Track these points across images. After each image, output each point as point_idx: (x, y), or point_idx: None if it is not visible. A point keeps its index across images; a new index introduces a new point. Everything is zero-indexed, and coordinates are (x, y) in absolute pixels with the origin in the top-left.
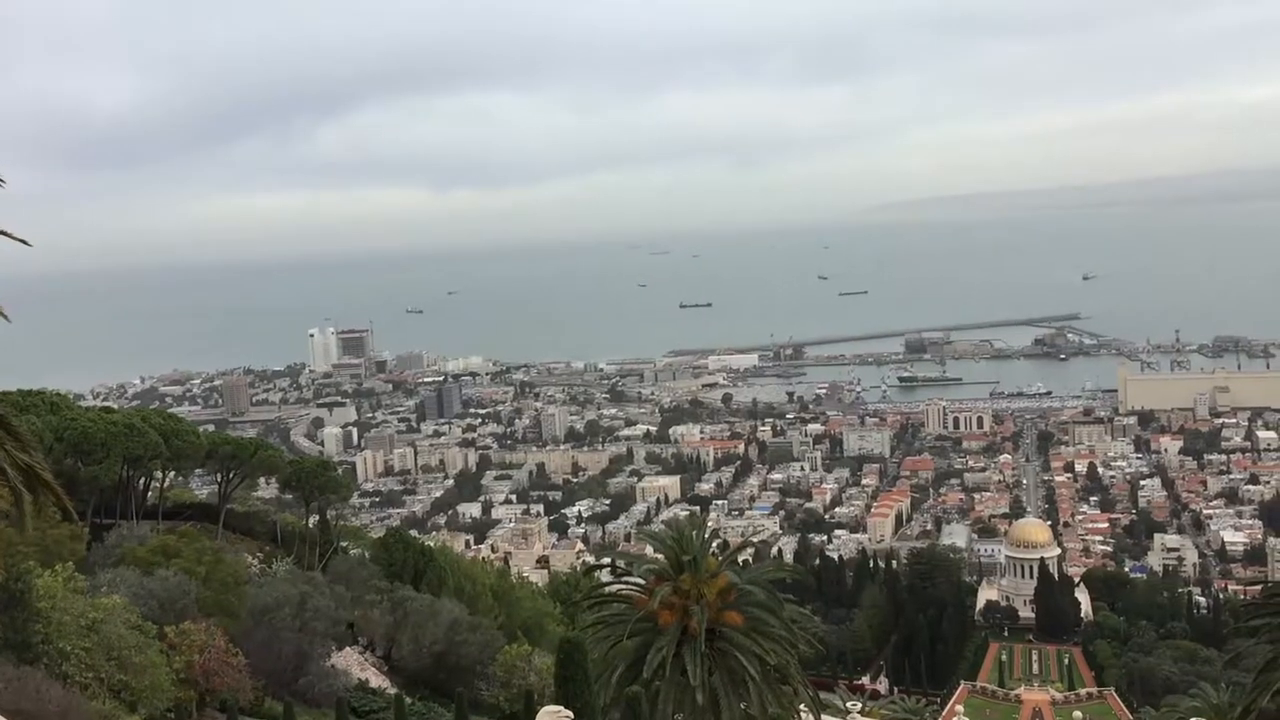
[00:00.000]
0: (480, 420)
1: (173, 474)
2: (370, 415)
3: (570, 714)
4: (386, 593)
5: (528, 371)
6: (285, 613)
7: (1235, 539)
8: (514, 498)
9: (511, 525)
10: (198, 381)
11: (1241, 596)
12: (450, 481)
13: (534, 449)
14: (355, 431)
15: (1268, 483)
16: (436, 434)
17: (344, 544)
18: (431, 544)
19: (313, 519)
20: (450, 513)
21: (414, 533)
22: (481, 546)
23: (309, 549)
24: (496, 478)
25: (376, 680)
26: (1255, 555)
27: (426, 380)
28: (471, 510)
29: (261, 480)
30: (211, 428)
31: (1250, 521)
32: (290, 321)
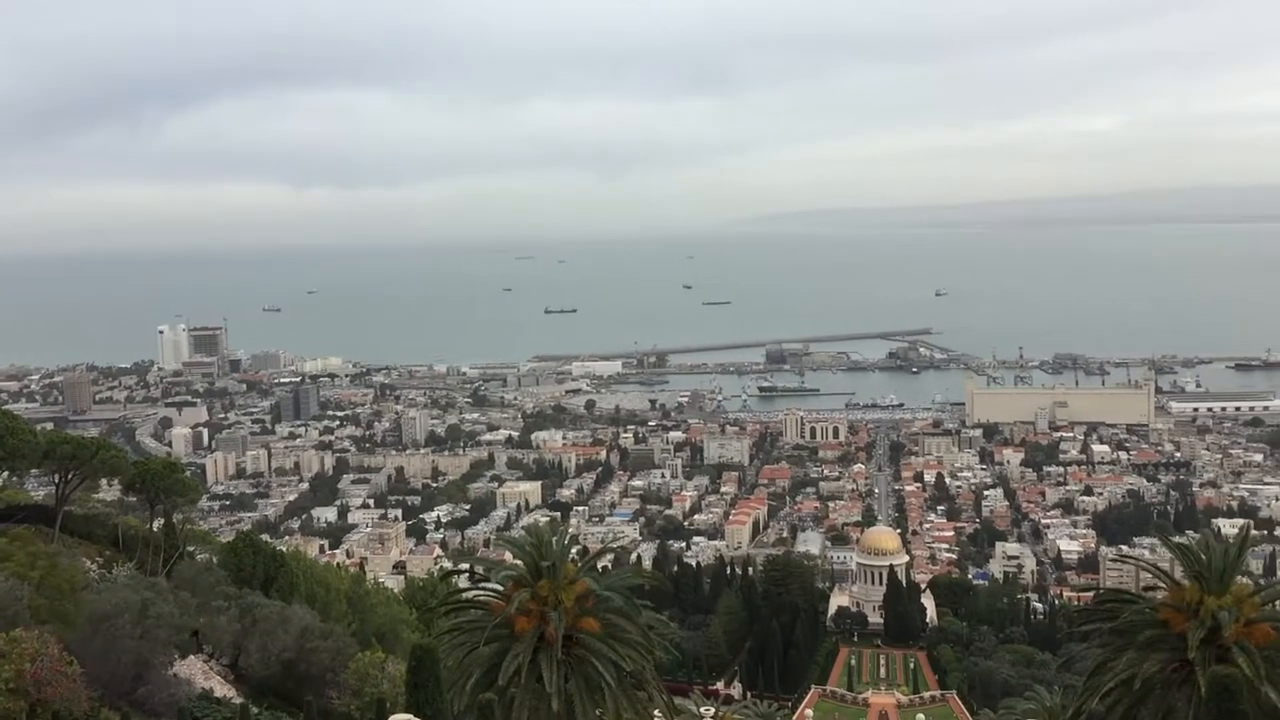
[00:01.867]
0: (338, 422)
1: (6, 474)
2: (223, 416)
3: None
4: (234, 599)
5: (389, 374)
6: (125, 620)
7: (1070, 548)
8: (371, 502)
9: (368, 530)
10: (36, 377)
11: (1075, 603)
12: (305, 485)
13: (393, 452)
14: (206, 432)
15: (1100, 494)
16: (292, 436)
17: (191, 548)
18: (284, 549)
19: (158, 522)
20: (305, 517)
21: (266, 537)
22: (337, 551)
23: (153, 554)
24: (354, 481)
25: (221, 689)
26: (1089, 563)
27: (283, 381)
28: (327, 514)
29: (104, 482)
30: (50, 426)
31: (1085, 531)
32: (138, 317)
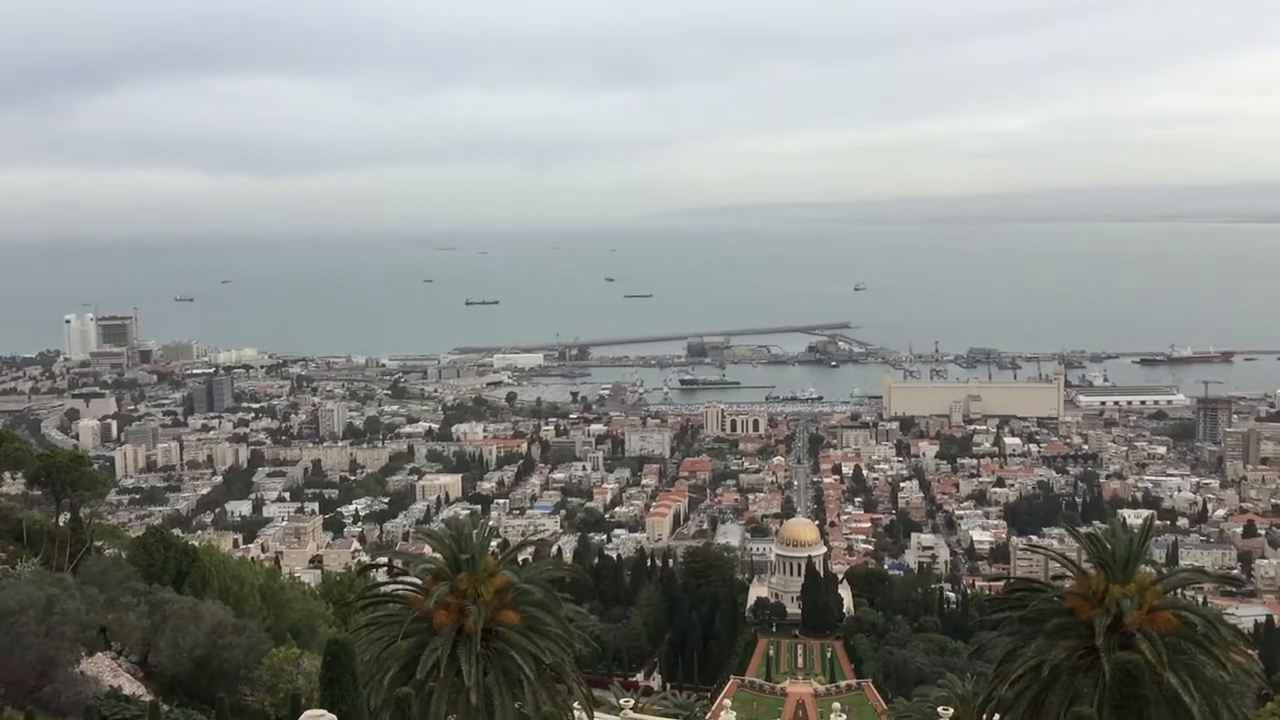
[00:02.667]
0: (253, 415)
1: None
2: (132, 408)
3: (334, 717)
4: (144, 595)
5: (305, 365)
6: (29, 616)
7: (983, 538)
8: (287, 495)
9: (284, 524)
10: None
11: (986, 592)
12: (219, 478)
13: (310, 445)
14: (115, 424)
15: (1012, 485)
16: (205, 428)
17: (98, 543)
18: (196, 543)
19: (64, 517)
20: (218, 511)
21: (178, 531)
22: (251, 546)
23: (59, 549)
24: (269, 475)
25: (131, 687)
26: (1000, 553)
27: (196, 372)
28: (241, 508)
29: (7, 475)
30: None
31: (996, 522)
32: (44, 306)
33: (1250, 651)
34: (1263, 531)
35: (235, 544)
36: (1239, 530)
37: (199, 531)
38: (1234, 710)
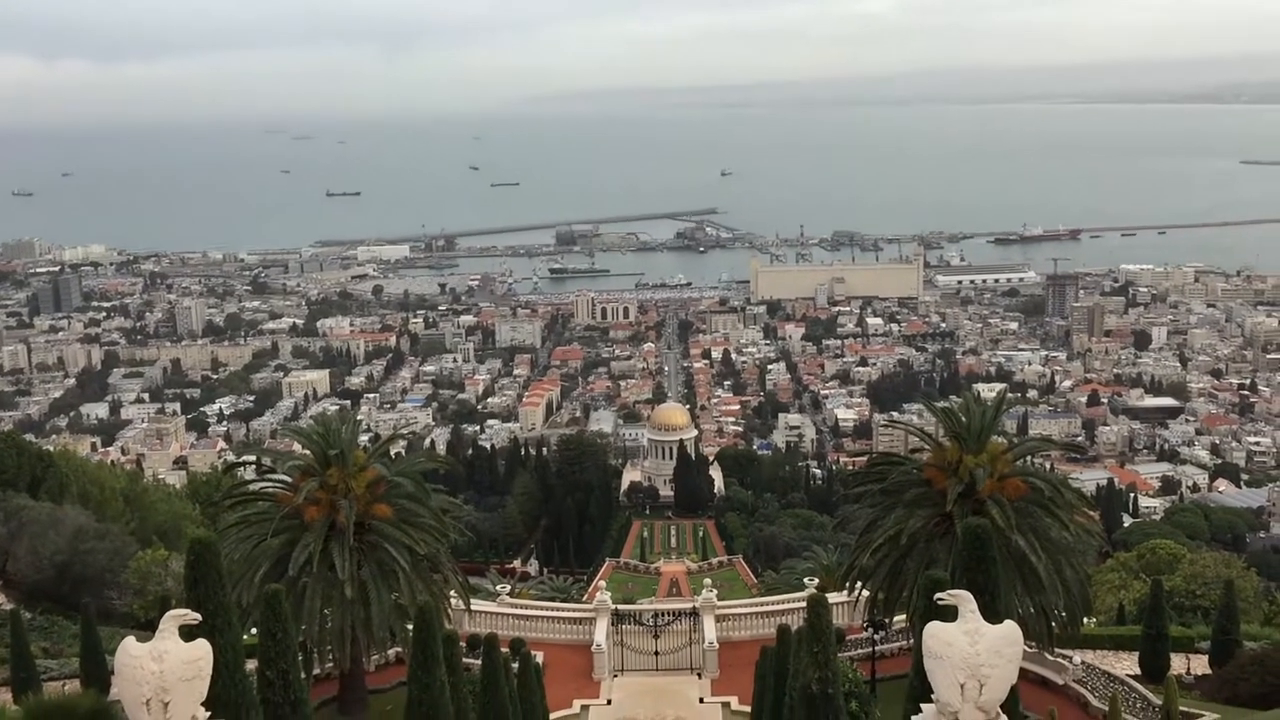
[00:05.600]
0: (105, 314)
1: None
2: None
3: (198, 616)
4: None
5: (158, 261)
6: None
7: (847, 416)
8: (146, 396)
9: (144, 425)
10: None
11: (850, 467)
12: (71, 381)
13: (168, 344)
14: None
15: (874, 365)
16: (53, 329)
17: None
18: (51, 448)
19: None
20: (73, 414)
21: (30, 437)
22: (110, 449)
23: None
24: (126, 376)
25: None
26: (863, 430)
27: (40, 271)
28: (98, 411)
29: None
30: None
31: (860, 400)
32: None
33: (1092, 513)
34: (1105, 400)
35: (93, 448)
36: (1084, 400)
37: (53, 436)
38: (1076, 567)
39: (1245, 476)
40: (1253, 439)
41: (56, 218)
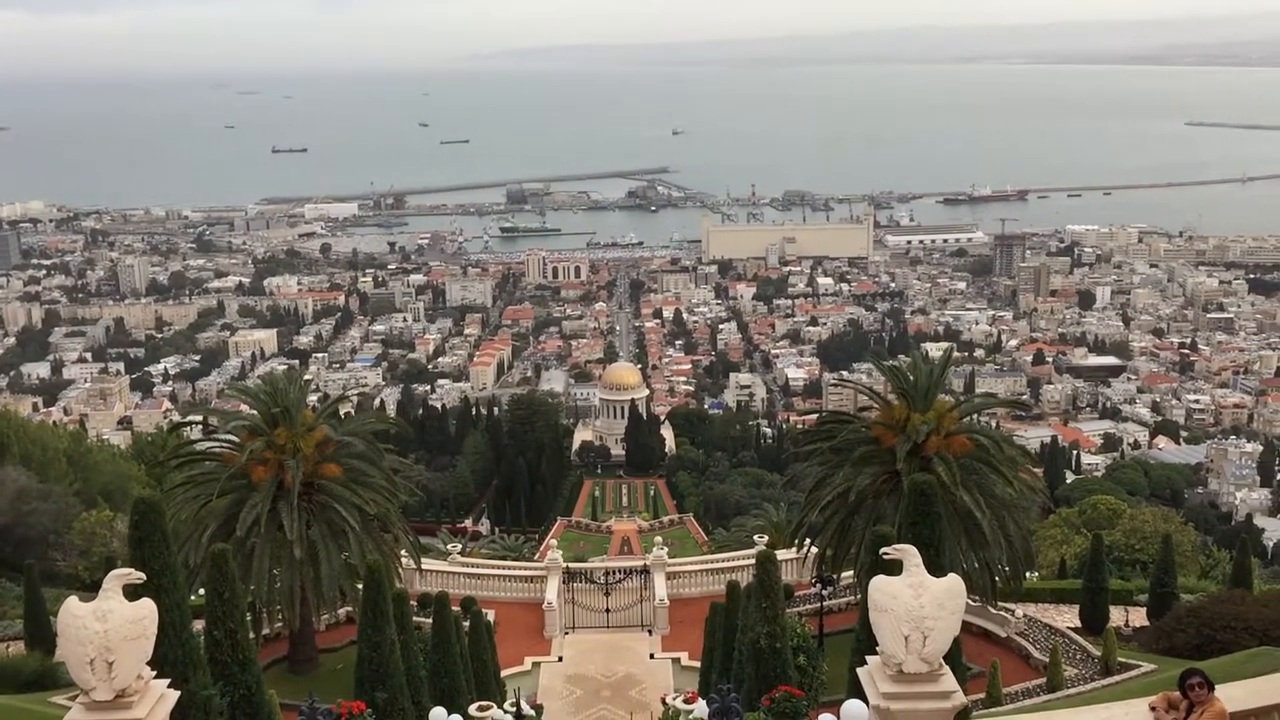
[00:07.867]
0: (45, 272)
1: None
2: None
3: (142, 575)
4: None
5: (100, 218)
6: None
7: (797, 375)
8: (89, 356)
9: (87, 385)
10: None
11: (800, 426)
12: (11, 340)
13: (111, 303)
14: None
15: (824, 324)
16: None
17: None
18: None
19: None
20: (13, 374)
21: None
22: (53, 410)
23: None
24: (67, 335)
25: None
26: (813, 389)
27: None
28: (39, 370)
29: None
30: None
31: (810, 359)
32: None
33: (1035, 470)
34: (1050, 359)
35: (35, 408)
36: (1029, 359)
37: None
38: (1019, 523)
39: (1184, 434)
40: (1192, 397)
41: None
